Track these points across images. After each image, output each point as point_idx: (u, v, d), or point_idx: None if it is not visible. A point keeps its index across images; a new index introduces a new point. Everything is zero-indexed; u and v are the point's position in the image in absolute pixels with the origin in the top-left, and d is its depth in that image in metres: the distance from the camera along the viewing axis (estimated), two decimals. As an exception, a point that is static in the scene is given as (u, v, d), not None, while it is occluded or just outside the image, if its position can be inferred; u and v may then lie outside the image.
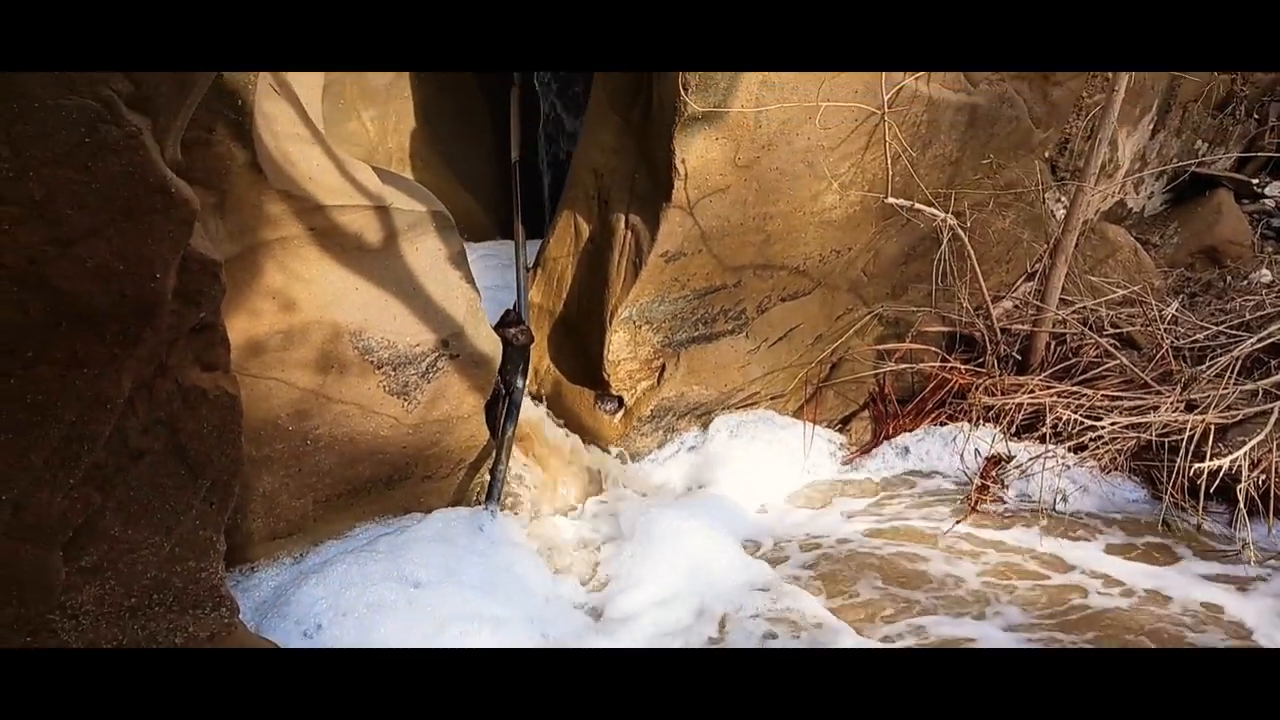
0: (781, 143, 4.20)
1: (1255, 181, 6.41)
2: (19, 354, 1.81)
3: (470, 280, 3.94)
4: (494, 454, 3.93)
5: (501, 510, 3.86)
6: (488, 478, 3.92)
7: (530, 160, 6.07)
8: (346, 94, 5.51)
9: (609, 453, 4.50)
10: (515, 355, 4.09)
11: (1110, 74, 4.73)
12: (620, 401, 4.55)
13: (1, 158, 1.68)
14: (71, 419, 1.92)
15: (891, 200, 4.38)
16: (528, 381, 4.30)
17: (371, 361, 3.49)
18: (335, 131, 5.32)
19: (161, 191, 1.87)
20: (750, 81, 3.97)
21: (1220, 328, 4.76)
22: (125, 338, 1.93)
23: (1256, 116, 6.54)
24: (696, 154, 4.08)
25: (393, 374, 3.56)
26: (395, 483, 3.73)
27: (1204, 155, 6.37)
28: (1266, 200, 6.38)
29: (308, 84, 4.30)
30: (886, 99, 4.24)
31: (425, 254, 3.74)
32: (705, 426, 4.63)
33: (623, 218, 4.42)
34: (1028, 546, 3.85)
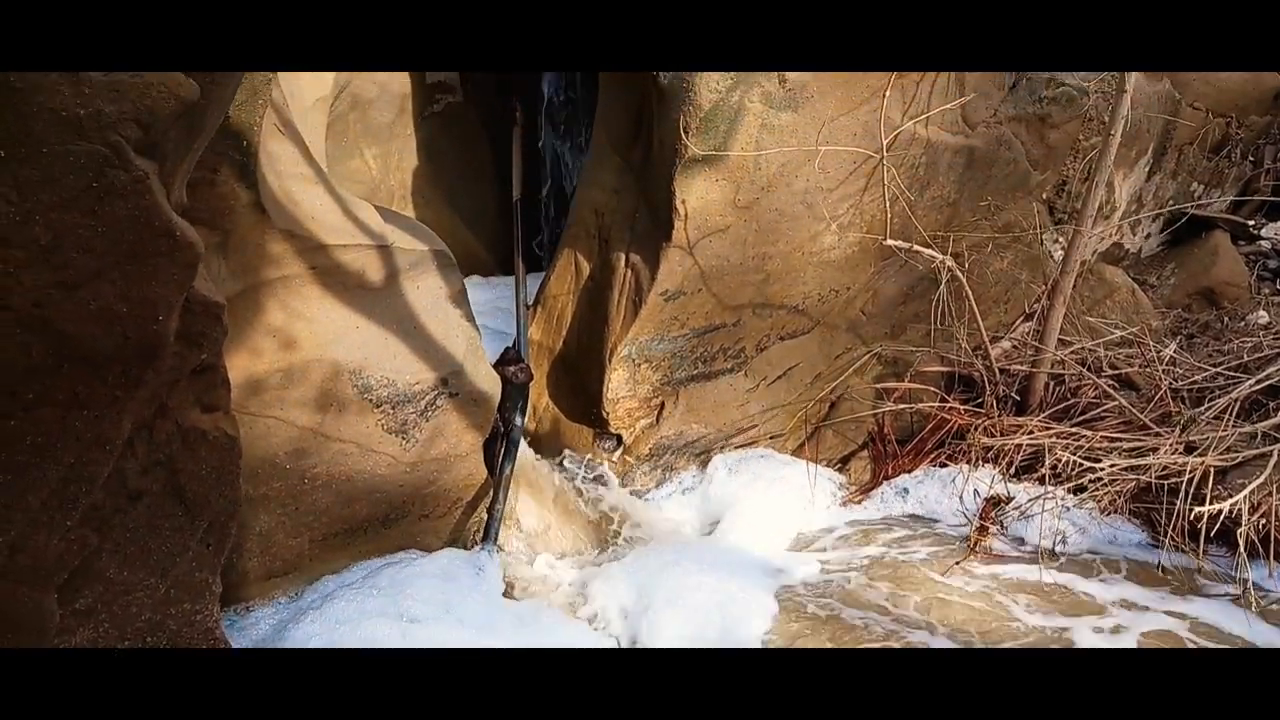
0: (781, 184, 4.24)
1: (1251, 223, 6.47)
2: (20, 396, 1.81)
3: (470, 318, 3.95)
4: (491, 493, 3.92)
5: (499, 551, 3.84)
6: (485, 516, 3.91)
7: (532, 198, 6.12)
8: (350, 132, 5.56)
9: (606, 486, 4.48)
10: (514, 393, 4.09)
11: (1106, 117, 4.78)
12: (619, 439, 4.54)
13: (8, 202, 1.69)
14: (70, 460, 1.92)
15: (890, 242, 4.40)
16: (526, 419, 4.30)
17: (370, 400, 3.49)
18: (338, 169, 5.37)
19: (167, 235, 1.88)
20: (750, 125, 4.02)
21: (1218, 369, 4.77)
22: (127, 380, 1.94)
23: (1252, 159, 6.61)
24: (697, 195, 4.12)
25: (391, 412, 3.56)
26: (392, 521, 3.71)
27: (1200, 197, 6.43)
28: (1263, 242, 6.43)
29: (311, 122, 4.36)
30: (885, 142, 4.28)
31: (426, 292, 3.76)
32: (704, 465, 4.62)
33: (623, 256, 4.45)
34: (1032, 582, 3.85)
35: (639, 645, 3.53)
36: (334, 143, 5.31)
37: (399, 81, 5.79)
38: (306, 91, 4.51)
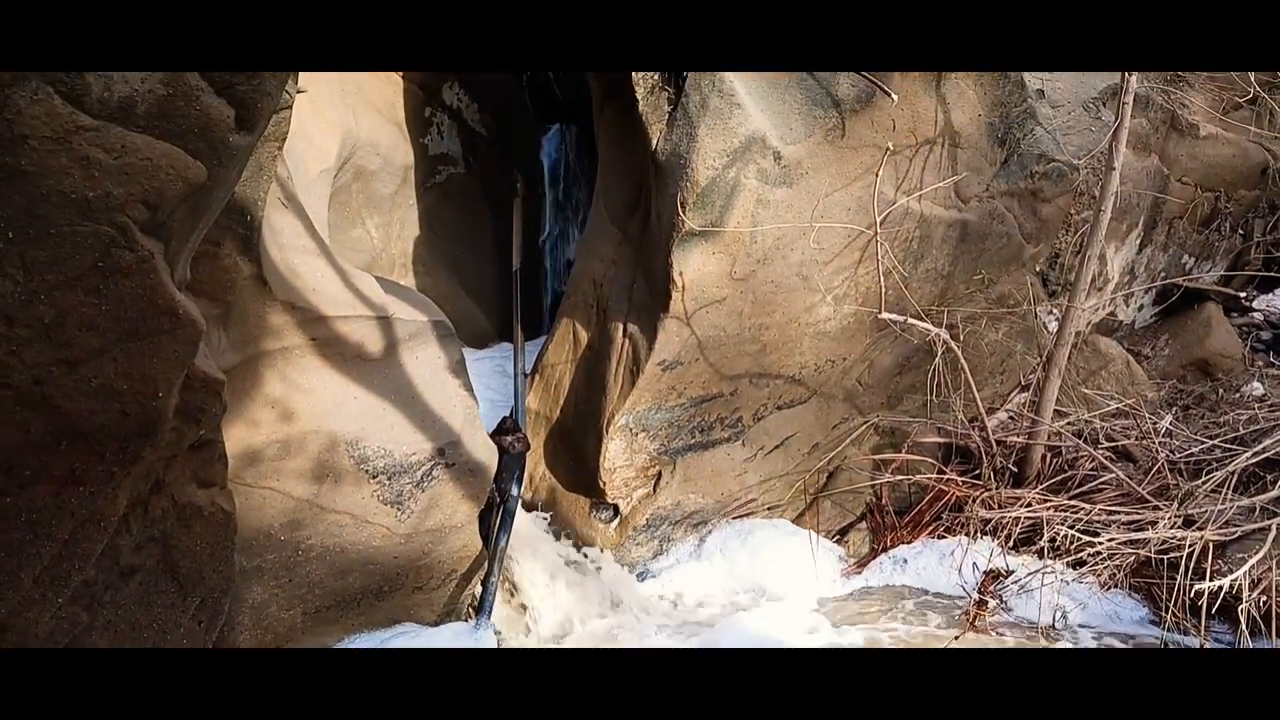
0: (776, 256, 4.30)
1: (1243, 295, 6.53)
2: (16, 473, 1.82)
3: (469, 388, 3.97)
4: (486, 565, 3.88)
5: (494, 628, 3.79)
6: (479, 589, 3.87)
7: (531, 268, 6.20)
8: (352, 203, 5.64)
9: (601, 557, 4.44)
10: (511, 463, 4.08)
11: (1097, 192, 4.87)
12: (616, 510, 4.52)
13: (14, 281, 1.72)
14: (65, 537, 1.91)
15: (885, 315, 4.44)
16: (522, 489, 4.28)
17: (367, 471, 3.48)
18: (340, 239, 5.43)
19: (169, 313, 1.91)
20: (746, 200, 4.08)
21: (1215, 441, 4.77)
22: (124, 456, 1.94)
23: (1241, 232, 6.70)
24: (694, 267, 4.17)
25: (387, 483, 3.55)
26: (385, 594, 3.67)
27: (1191, 269, 6.51)
28: (1255, 314, 6.49)
29: (315, 193, 4.43)
30: (879, 218, 4.35)
31: (425, 363, 3.78)
32: (702, 538, 4.58)
33: (621, 326, 4.48)
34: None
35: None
36: (337, 213, 5.38)
37: (402, 153, 5.89)
38: (310, 164, 4.59)
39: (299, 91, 3.73)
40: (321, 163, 4.68)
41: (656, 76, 4.17)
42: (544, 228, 6.36)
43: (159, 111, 1.82)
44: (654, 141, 4.19)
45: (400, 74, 5.83)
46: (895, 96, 4.23)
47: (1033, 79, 4.96)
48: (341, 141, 4.97)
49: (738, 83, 4.08)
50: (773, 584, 4.37)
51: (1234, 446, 4.69)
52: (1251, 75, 4.31)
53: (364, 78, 5.55)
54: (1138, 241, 6.12)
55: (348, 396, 3.46)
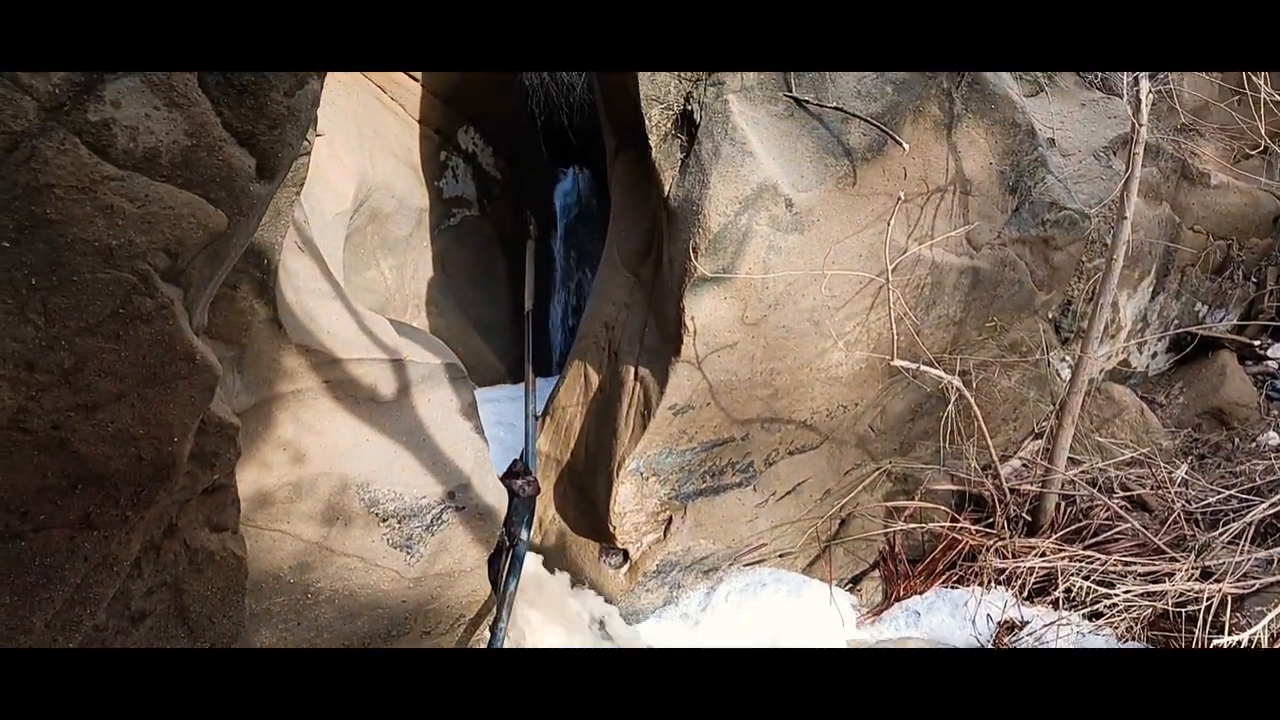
0: (788, 302, 4.31)
1: (1257, 343, 6.50)
2: (32, 516, 1.82)
3: (479, 430, 3.97)
4: (495, 610, 3.85)
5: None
6: (488, 634, 3.84)
7: (543, 310, 6.23)
8: (367, 244, 5.70)
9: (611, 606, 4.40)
10: (521, 506, 4.08)
11: (1108, 239, 4.88)
12: (626, 555, 4.49)
13: (36, 327, 1.74)
14: (77, 581, 1.91)
15: (897, 363, 4.44)
16: (532, 533, 4.27)
17: (377, 514, 3.48)
18: (355, 280, 5.48)
19: (187, 359, 1.93)
20: (757, 246, 4.11)
21: (1232, 492, 4.73)
22: (138, 500, 1.95)
23: (1255, 280, 6.70)
24: (705, 311, 4.18)
25: (397, 526, 3.54)
26: (393, 638, 3.64)
27: (1204, 317, 6.49)
28: (1269, 362, 6.46)
29: (330, 236, 4.48)
30: (890, 265, 4.37)
31: (436, 405, 3.79)
32: (713, 586, 4.54)
33: (632, 369, 4.49)
34: None
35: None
36: (352, 254, 5.44)
37: (417, 195, 5.96)
38: (327, 206, 4.64)
39: (317, 135, 3.80)
40: (338, 205, 4.73)
41: (669, 124, 4.23)
42: (556, 270, 6.40)
43: (182, 161, 1.85)
44: (666, 188, 4.23)
45: (417, 118, 5.92)
46: (906, 145, 4.27)
47: (1043, 127, 5.00)
48: (358, 185, 5.04)
49: (749, 131, 4.12)
50: (785, 635, 4.32)
51: (1251, 497, 4.64)
52: (1261, 126, 4.34)
53: (381, 122, 5.63)
54: (1150, 289, 6.12)
55: (360, 439, 3.46)
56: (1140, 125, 4.25)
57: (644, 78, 4.17)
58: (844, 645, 4.39)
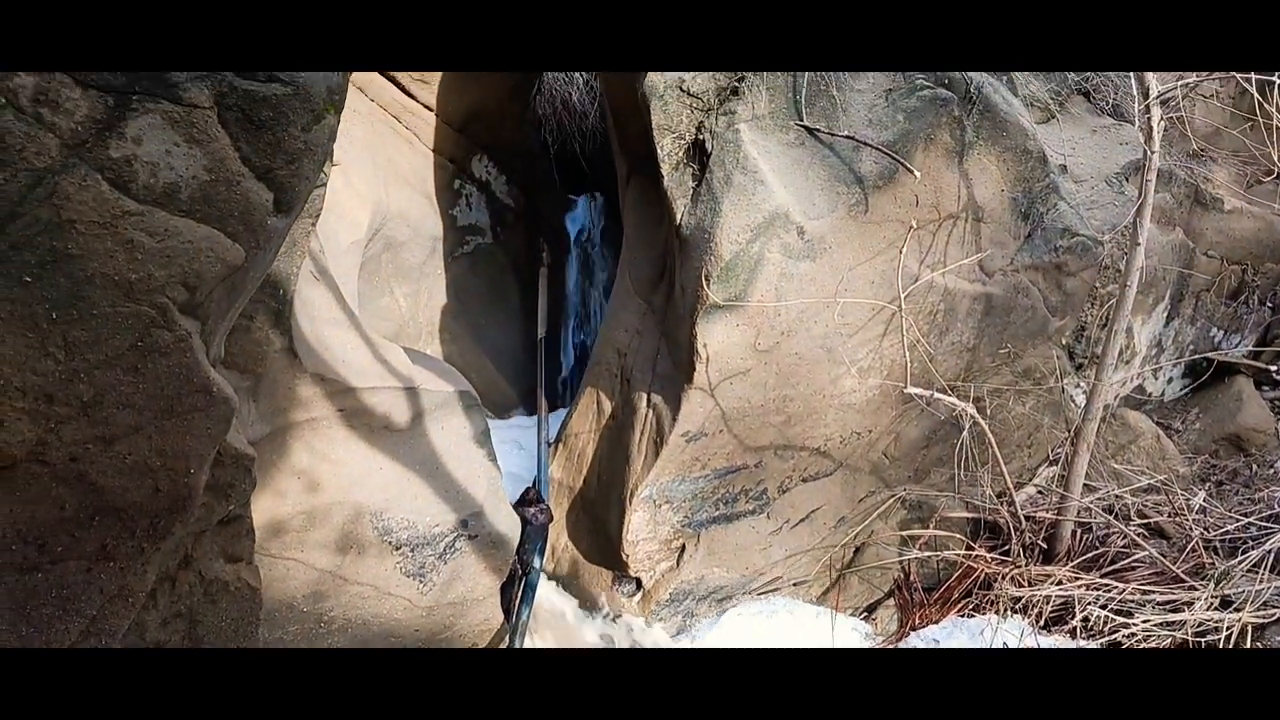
0: (801, 329, 4.31)
1: (1274, 368, 6.45)
2: (49, 549, 1.84)
3: (493, 458, 3.98)
4: (508, 638, 3.84)
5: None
6: (501, 663, 3.82)
7: (555, 336, 6.25)
8: (382, 272, 5.74)
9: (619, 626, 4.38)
10: (534, 534, 4.07)
11: (1122, 265, 4.87)
12: (639, 583, 4.47)
13: (56, 361, 1.76)
14: (93, 613, 1.92)
15: (910, 390, 4.42)
16: (544, 560, 4.26)
17: (390, 542, 3.48)
18: (369, 307, 5.52)
19: (204, 391, 1.94)
20: (769, 273, 4.12)
21: (1250, 519, 4.68)
22: (155, 532, 1.96)
23: (1270, 305, 6.66)
24: (718, 338, 4.18)
25: (410, 555, 3.55)
26: (407, 667, 3.63)
27: (1220, 342, 6.45)
28: (1286, 387, 6.41)
29: (345, 264, 4.52)
30: (903, 293, 4.36)
31: (450, 433, 3.80)
32: (727, 615, 4.51)
33: (645, 396, 4.49)
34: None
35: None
36: (366, 282, 5.48)
37: (431, 223, 6.01)
38: (342, 235, 4.69)
39: (333, 166, 3.84)
40: (353, 234, 4.78)
41: (681, 153, 4.26)
42: (568, 296, 6.43)
43: (201, 196, 1.88)
44: (678, 215, 4.25)
45: (431, 148, 5.98)
46: (918, 174, 4.28)
47: (1055, 154, 5.01)
48: (372, 213, 5.08)
49: (761, 159, 4.15)
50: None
51: (1271, 525, 4.59)
52: (1275, 152, 4.33)
53: (396, 152, 5.69)
54: (1164, 314, 6.09)
55: (373, 467, 3.48)
56: (1152, 153, 4.25)
57: (656, 107, 4.21)
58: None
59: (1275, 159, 4.44)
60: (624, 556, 4.41)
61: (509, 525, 3.90)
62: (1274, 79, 4.09)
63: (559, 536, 4.70)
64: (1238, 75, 4.42)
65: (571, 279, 6.46)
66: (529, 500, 4.19)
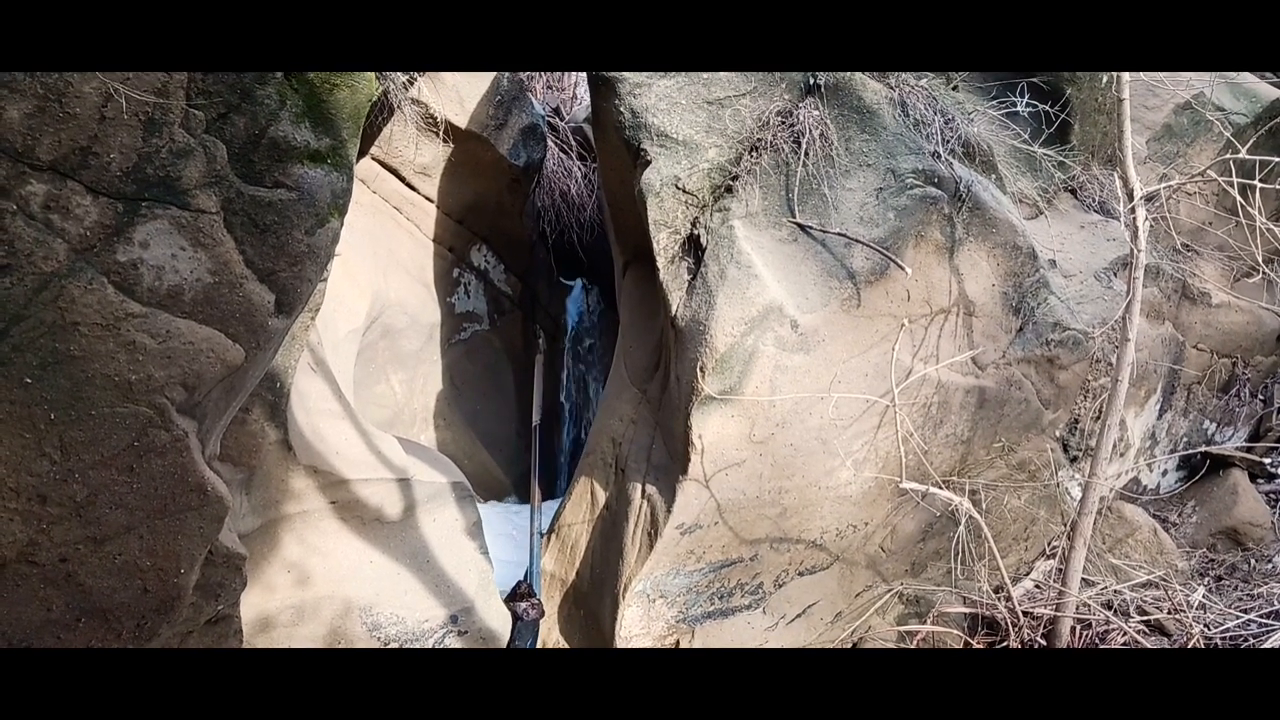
0: (795, 420, 4.32)
1: (1268, 461, 6.46)
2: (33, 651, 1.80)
3: (484, 551, 3.94)
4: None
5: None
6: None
7: (549, 425, 6.26)
8: (378, 359, 5.77)
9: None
10: (524, 631, 4.01)
11: (1113, 359, 4.91)
12: (631, 680, 4.37)
13: (51, 461, 1.76)
14: (73, 718, 1.88)
15: (906, 484, 4.41)
16: (537, 656, 4.18)
17: (379, 638, 3.42)
18: (365, 393, 5.53)
19: (198, 490, 1.94)
20: (764, 366, 4.15)
21: (1251, 616, 4.63)
22: (140, 633, 1.93)
23: (1261, 398, 6.70)
24: (713, 429, 4.19)
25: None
26: (392, 769, 3.53)
27: (1213, 435, 6.47)
28: (1281, 481, 6.40)
29: (343, 352, 4.54)
30: (896, 388, 4.39)
31: (442, 525, 3.78)
32: (720, 714, 4.41)
33: (639, 487, 4.47)
34: None
35: None
36: (363, 369, 5.51)
37: (429, 311, 6.07)
38: (340, 324, 4.73)
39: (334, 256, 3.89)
40: (351, 322, 4.82)
41: (677, 247, 4.33)
42: (564, 383, 6.46)
43: (204, 298, 1.91)
44: (674, 308, 4.30)
45: (431, 237, 6.08)
46: (909, 270, 4.36)
47: (1044, 249, 5.11)
48: (371, 302, 5.14)
49: (755, 254, 4.22)
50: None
51: (1271, 621, 4.54)
52: (1258, 252, 4.43)
53: (396, 241, 5.78)
54: (1158, 407, 6.12)
55: (364, 561, 3.44)
56: (1139, 250, 4.33)
57: (652, 203, 4.30)
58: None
59: (1259, 260, 4.53)
60: (617, 652, 4.33)
61: (499, 621, 3.85)
62: (1254, 183, 4.20)
63: (550, 631, 4.62)
64: (1219, 179, 4.54)
65: (567, 366, 6.50)
66: (520, 594, 4.13)
